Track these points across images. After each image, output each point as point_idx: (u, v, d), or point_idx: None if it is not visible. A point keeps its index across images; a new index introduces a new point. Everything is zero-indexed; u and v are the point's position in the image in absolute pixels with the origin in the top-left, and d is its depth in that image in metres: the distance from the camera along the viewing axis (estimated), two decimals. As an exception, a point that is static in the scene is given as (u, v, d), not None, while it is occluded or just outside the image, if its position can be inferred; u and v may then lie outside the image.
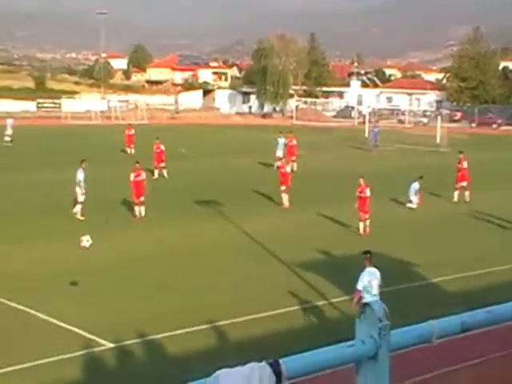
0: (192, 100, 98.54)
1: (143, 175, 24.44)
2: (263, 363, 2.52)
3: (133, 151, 43.30)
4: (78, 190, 23.39)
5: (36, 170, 35.66)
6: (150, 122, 74.84)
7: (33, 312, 14.18)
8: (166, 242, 20.93)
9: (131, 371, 11.78)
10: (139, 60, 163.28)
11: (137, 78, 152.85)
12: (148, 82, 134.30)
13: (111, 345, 12.54)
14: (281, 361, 2.48)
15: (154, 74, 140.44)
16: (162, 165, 33.79)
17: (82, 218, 23.21)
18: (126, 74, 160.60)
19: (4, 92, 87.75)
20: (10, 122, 48.89)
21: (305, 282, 16.66)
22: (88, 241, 13.62)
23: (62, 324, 13.56)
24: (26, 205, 26.14)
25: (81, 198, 23.38)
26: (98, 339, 12.73)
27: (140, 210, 23.95)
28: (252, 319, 14.04)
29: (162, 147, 34.33)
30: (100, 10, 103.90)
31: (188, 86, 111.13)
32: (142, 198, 23.91)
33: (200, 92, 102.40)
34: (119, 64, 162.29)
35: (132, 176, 24.09)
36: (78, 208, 23.39)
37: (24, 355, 11.95)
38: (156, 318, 13.99)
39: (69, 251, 19.23)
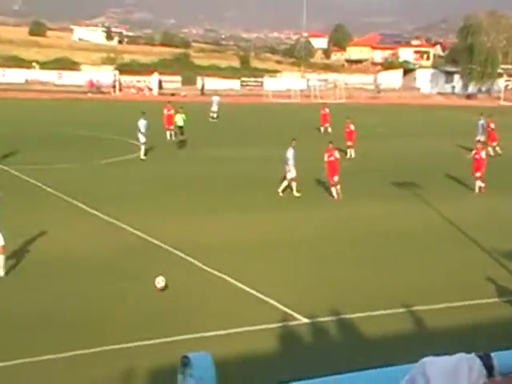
0: (391, 79, 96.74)
1: (336, 155, 24.51)
2: (472, 355, 2.46)
3: (329, 130, 43.55)
4: (287, 168, 24.15)
5: (239, 146, 37.25)
6: (348, 101, 74.72)
7: (232, 281, 14.90)
8: (362, 222, 20.93)
9: (324, 348, 11.95)
10: (339, 39, 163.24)
11: (337, 57, 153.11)
12: (347, 61, 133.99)
13: (306, 320, 12.83)
14: (492, 354, 2.42)
15: (353, 52, 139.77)
16: (350, 144, 33.71)
17: (298, 195, 23.96)
18: (326, 53, 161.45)
19: (212, 71, 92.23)
20: (215, 99, 51.57)
21: (510, 272, 15.85)
22: (159, 283, 14.36)
23: (258, 295, 14.07)
24: (231, 180, 27.46)
25: (289, 176, 24.11)
26: (293, 313, 13.09)
27: (337, 190, 24.12)
28: (453, 307, 13.62)
29: (352, 127, 34.01)
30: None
31: (388, 65, 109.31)
32: (335, 178, 24.05)
33: (400, 71, 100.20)
34: (320, 43, 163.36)
35: (326, 156, 24.32)
36: (284, 185, 24.13)
37: (221, 322, 12.63)
38: (350, 298, 14.05)
39: (267, 224, 20.06)
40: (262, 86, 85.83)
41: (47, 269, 15.26)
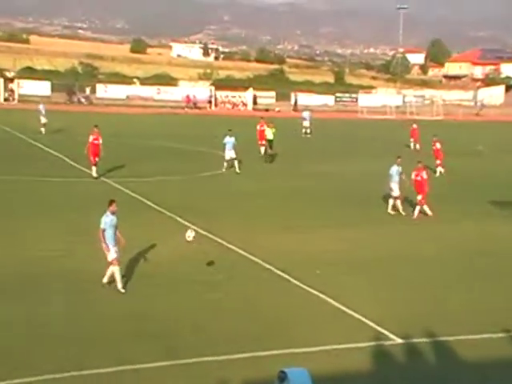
0: (493, 96, 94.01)
1: (424, 175, 24.00)
2: None
3: (417, 147, 42.77)
4: (391, 186, 23.91)
5: (332, 161, 37.15)
6: (445, 117, 73.13)
7: (325, 298, 14.81)
8: (455, 240, 20.42)
9: (417, 370, 11.72)
10: (437, 54, 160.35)
11: (434, 72, 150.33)
12: (445, 76, 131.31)
13: (400, 340, 12.62)
14: None
15: (452, 68, 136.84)
16: (438, 162, 33.12)
17: (404, 213, 23.53)
18: (423, 68, 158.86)
19: (306, 86, 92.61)
20: (306, 114, 51.87)
21: None
22: (189, 236, 14.14)
23: (350, 312, 13.95)
24: (325, 194, 27.44)
25: (393, 194, 23.83)
26: (386, 332, 12.90)
27: (423, 209, 23.59)
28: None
29: (438, 145, 33.29)
30: (401, 5, 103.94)
31: (489, 81, 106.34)
32: (419, 197, 23.64)
33: (502, 87, 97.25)
34: (416, 59, 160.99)
35: (413, 174, 23.94)
36: (391, 203, 23.84)
37: (313, 339, 12.58)
38: (445, 318, 13.72)
39: (361, 240, 19.92)
40: (356, 101, 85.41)
41: (145, 280, 15.69)
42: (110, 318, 13.28)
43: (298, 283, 15.74)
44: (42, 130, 42.24)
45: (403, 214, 23.70)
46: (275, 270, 16.65)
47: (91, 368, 10.94)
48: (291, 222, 22.20)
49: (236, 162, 31.24)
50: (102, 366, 11.06)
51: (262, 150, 36.87)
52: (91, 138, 27.80)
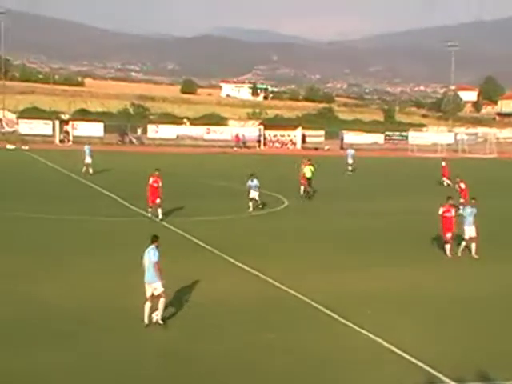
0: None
1: (452, 212, 23.49)
2: None
3: (445, 183, 42.93)
4: (465, 227, 23.35)
5: (378, 199, 36.87)
6: (499, 155, 71.95)
7: (375, 338, 14.51)
8: (508, 280, 19.93)
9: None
10: (490, 91, 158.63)
11: (487, 110, 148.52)
12: (499, 114, 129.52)
13: (453, 383, 12.27)
14: None
15: (505, 105, 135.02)
16: (462, 201, 32.74)
17: (477, 257, 22.69)
18: (476, 106, 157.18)
19: (355, 124, 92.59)
20: (350, 152, 52.27)
21: None
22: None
23: (401, 353, 13.63)
24: (373, 233, 27.19)
25: (465, 236, 23.09)
26: (439, 375, 12.52)
27: (451, 248, 23.00)
28: None
29: (463, 185, 33.20)
30: (452, 43, 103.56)
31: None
32: (448, 235, 23.04)
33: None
34: (468, 96, 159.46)
35: (441, 210, 23.50)
36: (462, 245, 23.19)
37: (365, 381, 12.36)
38: (501, 361, 13.28)
39: (414, 278, 19.58)
40: (406, 140, 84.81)
41: (195, 320, 15.69)
42: (155, 360, 13.27)
43: (348, 323, 15.52)
44: (85, 169, 43.32)
45: (476, 257, 22.77)
46: (325, 310, 16.45)
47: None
48: (340, 260, 22.00)
49: (252, 203, 31.00)
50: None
51: (302, 188, 36.82)
52: (151, 180, 28.03)
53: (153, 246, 15.08)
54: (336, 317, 15.95)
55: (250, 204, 31.11)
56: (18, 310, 15.83)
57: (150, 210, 27.98)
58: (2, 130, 69.64)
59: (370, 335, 14.71)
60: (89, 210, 29.87)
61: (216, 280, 19.07)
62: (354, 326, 15.28)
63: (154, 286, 14.77)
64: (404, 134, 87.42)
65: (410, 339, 14.47)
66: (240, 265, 20.80)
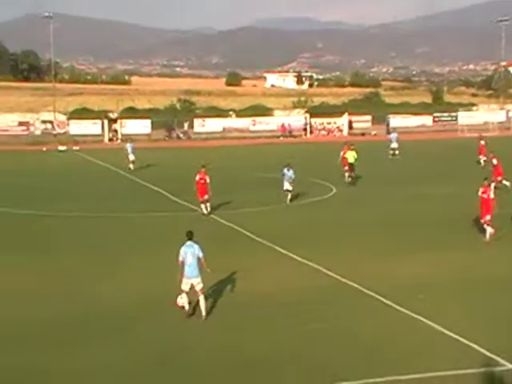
0: None
1: (490, 193, 22.86)
2: None
3: (481, 163, 42.33)
4: None
5: (425, 182, 36.24)
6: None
7: (429, 323, 14.36)
8: None
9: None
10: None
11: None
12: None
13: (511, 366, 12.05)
14: None
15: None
16: (499, 178, 32.18)
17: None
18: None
19: (402, 108, 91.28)
20: (394, 136, 51.58)
21: None
22: (181, 298, 15.01)
23: (457, 337, 13.44)
24: (418, 217, 26.85)
25: None
26: (496, 358, 12.31)
27: (491, 230, 22.44)
28: None
29: (495, 161, 33.00)
30: (501, 17, 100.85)
31: None
32: (487, 217, 22.43)
33: None
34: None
35: (480, 191, 22.94)
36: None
37: (418, 365, 12.22)
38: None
39: (464, 263, 19.28)
40: (456, 120, 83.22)
41: (246, 310, 15.77)
42: (215, 349, 13.40)
43: (401, 309, 15.41)
44: (131, 166, 44.03)
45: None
46: (377, 296, 16.36)
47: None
48: (391, 247, 21.80)
49: (289, 195, 30.57)
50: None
51: (346, 175, 36.47)
52: (198, 177, 28.08)
53: (192, 242, 15.22)
54: (389, 303, 15.84)
55: (288, 196, 30.51)
56: (73, 307, 16.18)
57: (202, 206, 28.10)
58: (54, 132, 70.98)
59: (424, 320, 14.60)
60: (140, 207, 30.23)
61: (267, 270, 19.12)
62: (408, 312, 15.17)
63: (196, 280, 14.99)
64: (453, 114, 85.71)
65: (463, 323, 14.29)
66: (290, 254, 20.80)
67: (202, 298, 15.08)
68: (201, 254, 15.06)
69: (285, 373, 12.19)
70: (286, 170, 30.59)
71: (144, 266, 19.84)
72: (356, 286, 17.28)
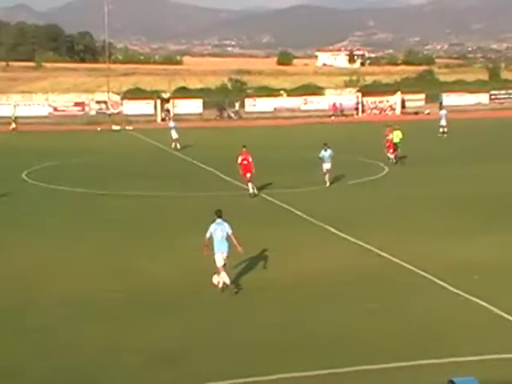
0: None
1: None
2: None
3: None
4: None
5: (476, 162, 35.48)
6: None
7: (484, 304, 14.15)
8: None
9: None
10: None
11: None
12: None
13: None
14: None
15: None
16: None
17: None
18: None
19: (457, 86, 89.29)
20: (443, 113, 50.43)
21: None
22: (215, 278, 15.36)
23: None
24: (469, 198, 26.39)
25: None
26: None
27: None
28: None
29: None
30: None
31: None
32: None
33: None
34: None
35: None
36: None
37: (475, 347, 12.06)
38: None
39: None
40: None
41: (299, 290, 15.81)
42: (268, 327, 13.49)
43: (455, 290, 15.19)
44: (174, 145, 44.52)
45: None
46: (431, 277, 16.18)
47: (254, 375, 11.16)
48: (443, 228, 21.48)
49: (328, 175, 29.94)
50: (261, 373, 11.25)
51: (392, 156, 35.92)
52: (240, 158, 28.06)
53: (222, 220, 15.63)
54: (443, 284, 15.66)
55: (326, 178, 29.77)
56: (126, 284, 16.49)
57: (250, 185, 28.16)
58: (108, 112, 71.91)
59: (480, 301, 14.38)
60: (193, 187, 30.50)
61: (318, 250, 19.09)
62: (463, 293, 14.95)
63: (225, 254, 15.42)
64: (511, 92, 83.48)
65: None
66: (341, 234, 20.71)
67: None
68: (230, 231, 15.47)
69: (339, 350, 12.18)
70: (323, 151, 29.94)
71: (197, 244, 20.03)
72: (410, 267, 17.09)
